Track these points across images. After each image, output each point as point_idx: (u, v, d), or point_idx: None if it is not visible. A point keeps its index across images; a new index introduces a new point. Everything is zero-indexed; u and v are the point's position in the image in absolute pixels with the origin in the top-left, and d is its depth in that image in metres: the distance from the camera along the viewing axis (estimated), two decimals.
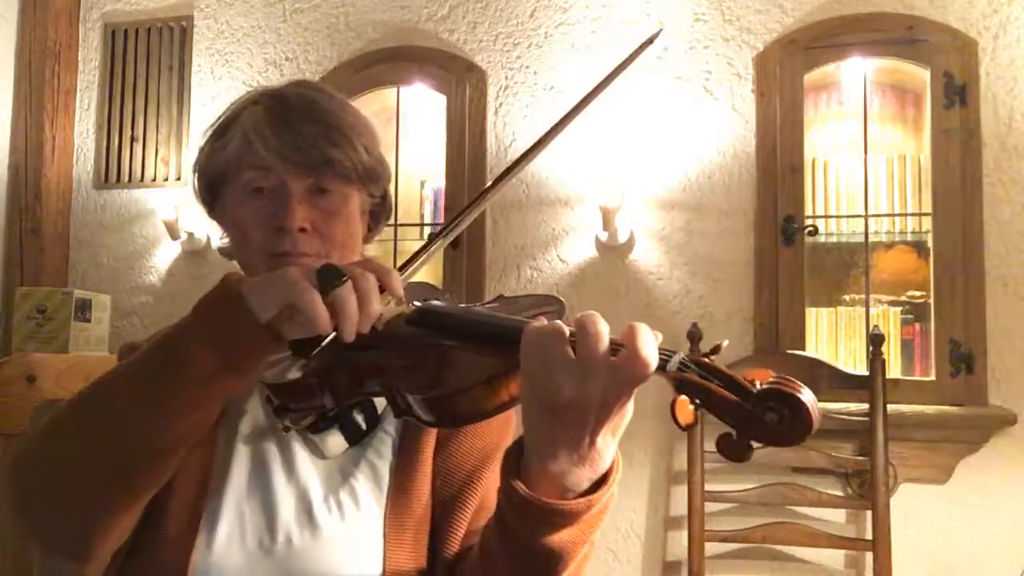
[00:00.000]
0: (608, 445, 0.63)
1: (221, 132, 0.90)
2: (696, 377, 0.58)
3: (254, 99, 0.89)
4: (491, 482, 0.86)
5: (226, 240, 0.95)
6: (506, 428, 0.92)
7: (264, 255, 0.87)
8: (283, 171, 0.85)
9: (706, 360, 0.59)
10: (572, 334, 0.61)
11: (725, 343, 0.61)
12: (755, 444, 0.56)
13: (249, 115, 0.87)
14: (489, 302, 0.84)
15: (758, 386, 0.56)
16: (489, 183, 2.66)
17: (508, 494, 0.66)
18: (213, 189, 0.93)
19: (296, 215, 0.84)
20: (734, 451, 0.57)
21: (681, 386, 0.58)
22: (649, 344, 0.58)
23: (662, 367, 0.59)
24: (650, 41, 0.89)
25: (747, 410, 0.55)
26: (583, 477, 0.63)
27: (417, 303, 0.79)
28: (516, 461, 0.66)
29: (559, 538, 0.65)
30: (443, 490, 0.86)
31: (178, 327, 0.72)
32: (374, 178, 0.92)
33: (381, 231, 1.01)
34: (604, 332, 0.60)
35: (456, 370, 0.70)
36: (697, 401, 0.57)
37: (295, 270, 0.68)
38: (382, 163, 0.94)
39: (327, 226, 0.87)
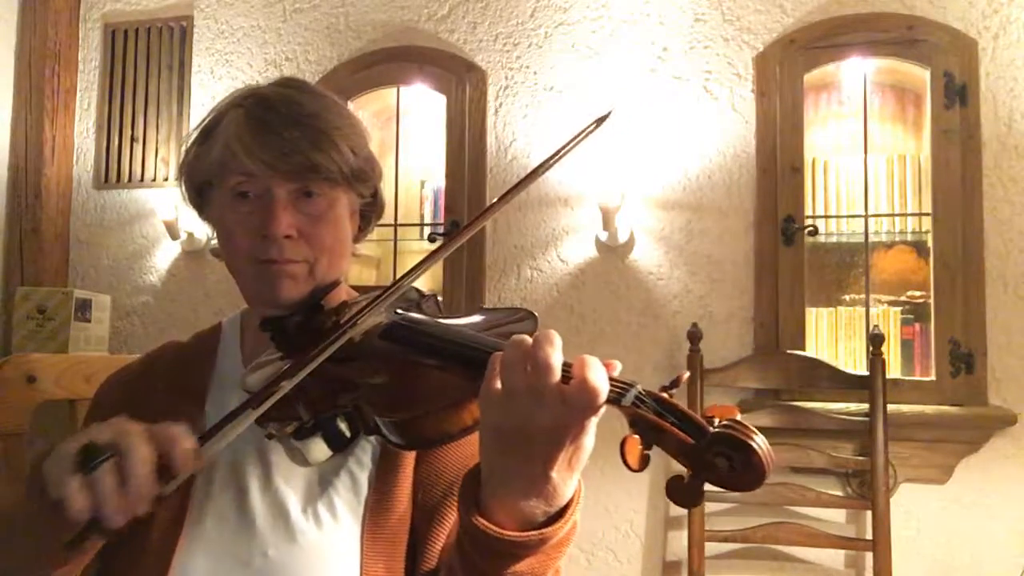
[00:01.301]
0: (565, 480, 0.63)
1: (205, 135, 0.88)
2: (651, 415, 0.56)
3: (237, 102, 0.87)
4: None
5: (217, 241, 0.94)
6: None
7: (251, 262, 0.85)
8: (267, 178, 0.83)
9: (664, 396, 0.57)
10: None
11: (686, 375, 0.61)
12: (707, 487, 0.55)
13: (231, 120, 0.85)
14: (468, 314, 0.82)
15: (717, 423, 0.55)
16: (490, 188, 2.65)
17: (464, 525, 0.65)
18: (201, 193, 0.91)
19: (281, 222, 0.82)
20: (684, 495, 0.56)
21: (634, 423, 0.57)
22: (598, 374, 0.57)
23: (616, 401, 0.58)
24: (599, 122, 0.87)
25: (699, 452, 0.54)
26: (539, 511, 0.63)
27: (400, 310, 0.78)
28: (474, 490, 0.66)
29: (517, 569, 0.65)
30: (424, 501, 0.85)
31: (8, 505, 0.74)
32: (362, 179, 0.90)
33: (372, 230, 0.99)
34: (555, 362, 0.58)
35: (422, 391, 0.69)
36: (649, 440, 0.56)
37: (74, 442, 0.62)
38: (370, 162, 0.91)
39: (314, 231, 0.85)
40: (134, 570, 0.81)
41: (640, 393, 0.58)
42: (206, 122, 0.89)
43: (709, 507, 2.17)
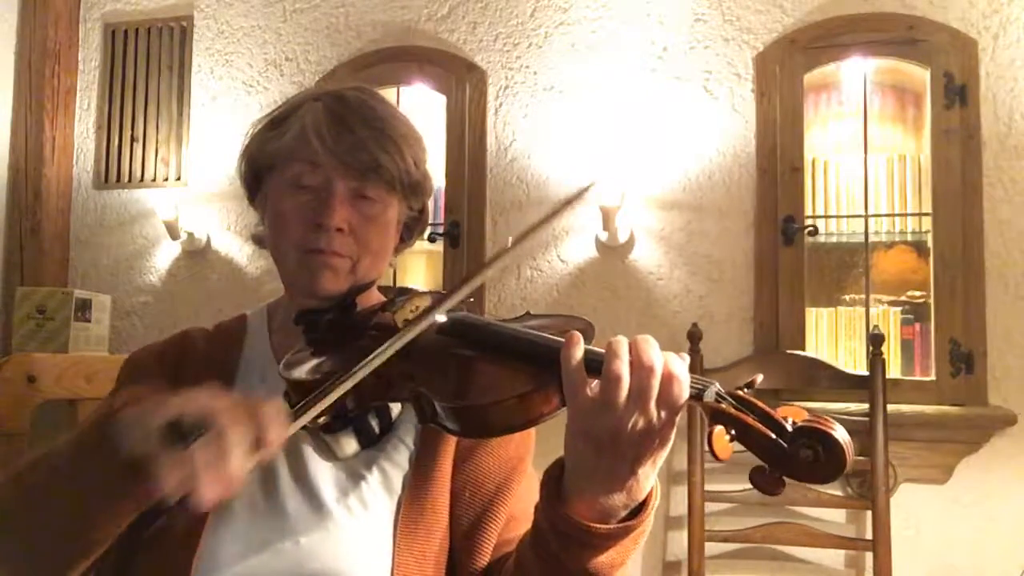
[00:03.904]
0: (648, 475, 0.64)
1: (277, 123, 0.91)
2: (732, 409, 0.58)
3: (315, 96, 0.91)
4: (519, 493, 0.87)
5: (261, 228, 0.96)
6: (529, 438, 0.92)
7: (299, 250, 0.88)
8: (332, 170, 0.86)
9: (741, 393, 0.60)
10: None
11: (759, 378, 0.62)
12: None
13: (309, 111, 0.88)
14: (518, 318, 0.83)
15: (791, 423, 0.57)
16: (490, 188, 2.64)
17: (550, 519, 0.66)
18: (259, 177, 0.94)
19: (336, 214, 0.86)
20: (766, 485, 0.58)
21: (716, 417, 0.59)
22: (678, 367, 0.60)
23: (698, 396, 0.60)
24: (581, 194, 0.89)
25: (782, 447, 0.56)
26: (620, 504, 0.65)
27: (441, 316, 0.79)
28: (556, 484, 0.67)
29: (598, 561, 0.67)
30: (472, 503, 0.86)
31: (59, 459, 0.70)
32: (417, 192, 0.93)
33: (413, 244, 1.02)
34: (659, 363, 0.60)
35: (488, 383, 0.70)
36: (732, 433, 0.58)
37: (161, 410, 0.59)
38: (427, 178, 0.95)
39: (363, 230, 0.88)
40: (159, 556, 0.81)
41: (720, 390, 0.60)
42: (279, 112, 0.92)
43: (709, 507, 2.17)
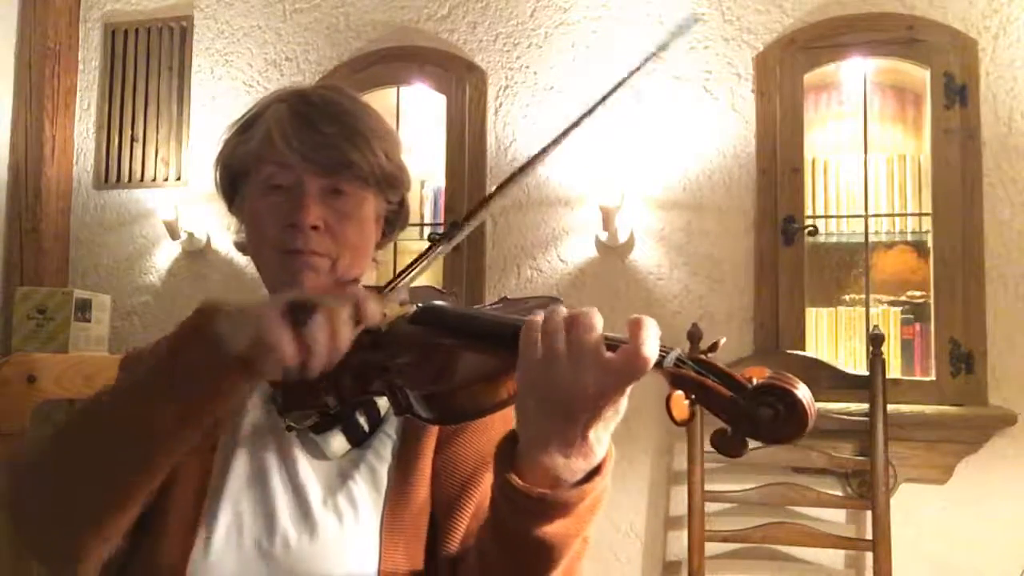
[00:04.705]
0: (600, 439, 0.64)
1: (246, 127, 0.91)
2: (692, 373, 0.58)
3: (280, 97, 0.90)
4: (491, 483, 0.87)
5: (243, 234, 0.96)
6: (509, 424, 0.91)
7: (277, 251, 0.87)
8: (302, 169, 0.86)
9: (702, 357, 0.59)
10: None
11: (723, 340, 0.62)
12: (751, 441, 0.57)
13: (273, 112, 0.88)
14: (493, 304, 0.84)
15: (754, 382, 0.56)
16: (490, 188, 2.66)
17: (501, 485, 0.66)
18: (234, 183, 0.94)
19: (310, 213, 0.85)
20: (728, 446, 0.57)
21: (676, 381, 0.58)
22: (652, 345, 0.59)
23: (659, 363, 0.59)
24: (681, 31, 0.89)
25: (741, 405, 0.55)
26: (576, 468, 0.64)
27: (420, 304, 0.80)
28: (510, 453, 0.67)
29: (552, 530, 0.66)
30: (445, 489, 0.86)
31: (154, 364, 0.74)
32: (392, 184, 0.92)
33: (396, 237, 1.01)
34: (596, 323, 0.61)
35: (456, 368, 0.70)
36: (692, 397, 0.58)
37: (269, 302, 0.68)
38: (401, 170, 0.94)
39: (340, 227, 0.87)
40: (154, 555, 0.82)
41: (680, 355, 0.59)
42: (247, 116, 0.92)
43: (709, 507, 2.17)
